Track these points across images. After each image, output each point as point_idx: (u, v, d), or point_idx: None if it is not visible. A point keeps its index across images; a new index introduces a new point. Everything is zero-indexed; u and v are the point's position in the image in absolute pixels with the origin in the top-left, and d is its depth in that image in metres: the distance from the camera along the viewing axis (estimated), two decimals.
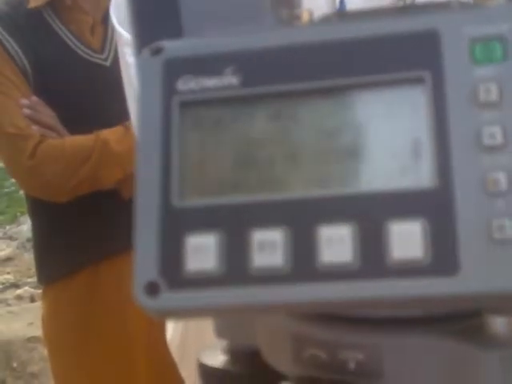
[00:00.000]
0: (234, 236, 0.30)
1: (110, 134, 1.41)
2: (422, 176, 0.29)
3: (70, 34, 1.47)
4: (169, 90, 0.32)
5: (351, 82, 0.31)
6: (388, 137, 0.30)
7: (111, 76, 1.45)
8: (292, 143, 0.31)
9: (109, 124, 1.41)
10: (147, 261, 0.30)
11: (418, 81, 0.30)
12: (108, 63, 1.48)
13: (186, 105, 0.32)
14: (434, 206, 0.29)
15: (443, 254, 0.28)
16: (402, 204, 0.29)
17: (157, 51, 0.33)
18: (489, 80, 0.29)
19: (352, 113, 0.31)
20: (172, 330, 0.96)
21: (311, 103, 0.31)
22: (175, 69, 0.32)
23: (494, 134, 0.29)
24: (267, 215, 0.30)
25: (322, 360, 0.36)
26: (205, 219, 0.30)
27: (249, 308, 0.30)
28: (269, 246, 0.29)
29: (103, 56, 1.49)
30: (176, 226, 0.30)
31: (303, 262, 0.29)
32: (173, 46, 0.33)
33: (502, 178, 0.28)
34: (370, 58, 0.31)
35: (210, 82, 0.32)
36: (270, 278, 0.29)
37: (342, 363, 0.35)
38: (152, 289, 0.30)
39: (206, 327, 0.53)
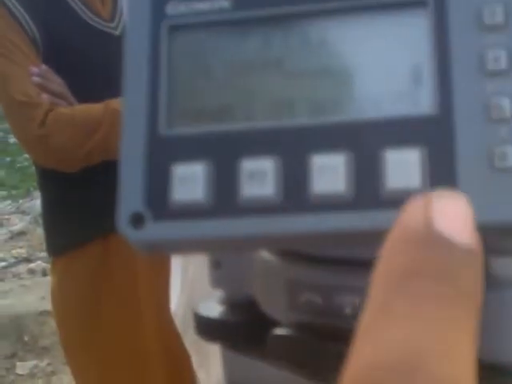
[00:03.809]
0: (223, 165, 0.28)
1: (119, 104, 1.40)
2: (422, 103, 0.28)
3: (81, 2, 1.46)
4: (158, 14, 0.30)
5: (350, 5, 0.29)
6: (387, 62, 0.28)
7: (120, 45, 1.43)
8: (283, 69, 0.29)
9: (118, 93, 1.40)
10: (132, 191, 0.29)
11: (421, 4, 0.28)
12: (118, 32, 1.47)
13: (175, 29, 0.30)
14: (433, 134, 0.27)
15: (442, 182, 0.26)
16: (400, 132, 0.27)
17: None
18: (495, 1, 0.28)
19: (349, 37, 0.29)
20: (176, 300, 0.94)
21: (304, 27, 0.29)
22: None
23: (498, 58, 0.27)
24: (257, 144, 0.28)
25: (317, 305, 0.35)
26: (193, 148, 0.29)
27: (237, 240, 0.28)
28: (259, 176, 0.28)
29: (113, 24, 1.47)
30: (163, 155, 0.29)
31: (294, 192, 0.27)
32: None
33: (505, 104, 0.27)
34: None
35: (201, 6, 0.30)
36: (259, 208, 0.28)
37: (338, 308, 0.34)
38: (137, 220, 0.29)
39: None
